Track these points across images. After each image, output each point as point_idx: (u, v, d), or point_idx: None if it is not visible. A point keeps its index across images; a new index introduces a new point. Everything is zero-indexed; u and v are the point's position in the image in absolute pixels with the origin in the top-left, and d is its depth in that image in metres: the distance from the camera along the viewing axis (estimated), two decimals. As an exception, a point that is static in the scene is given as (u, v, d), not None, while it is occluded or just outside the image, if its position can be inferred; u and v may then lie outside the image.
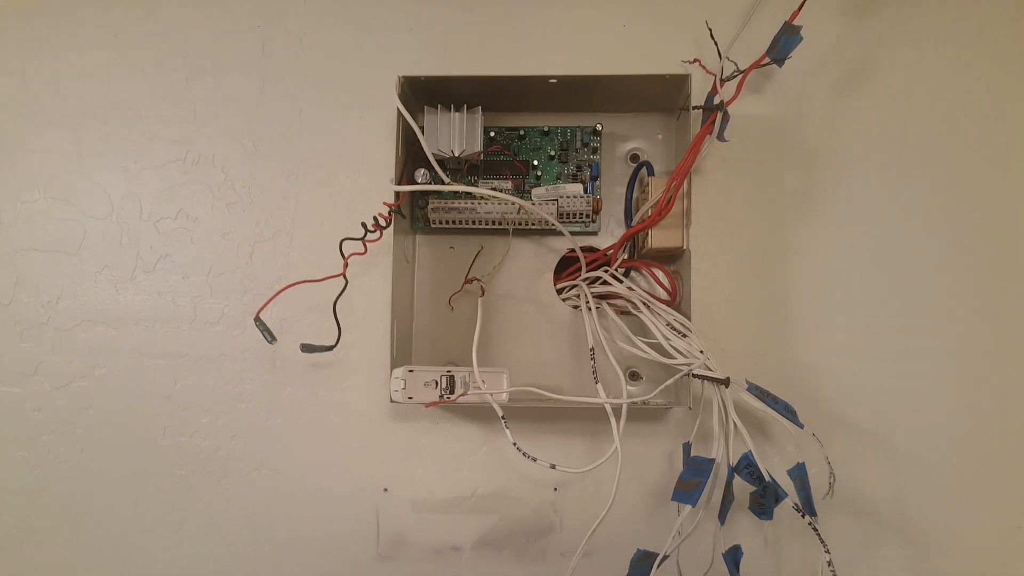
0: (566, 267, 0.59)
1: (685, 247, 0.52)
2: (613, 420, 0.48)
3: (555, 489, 0.59)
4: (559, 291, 0.59)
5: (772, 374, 0.57)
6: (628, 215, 0.58)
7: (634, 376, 0.58)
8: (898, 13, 0.60)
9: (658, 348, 0.51)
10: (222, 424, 0.60)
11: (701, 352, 0.48)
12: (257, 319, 0.52)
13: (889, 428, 0.57)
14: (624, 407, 0.48)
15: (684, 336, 0.49)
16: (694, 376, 0.48)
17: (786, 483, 0.49)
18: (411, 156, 0.56)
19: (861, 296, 0.58)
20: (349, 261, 0.52)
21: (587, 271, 0.57)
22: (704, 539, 0.55)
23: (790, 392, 0.55)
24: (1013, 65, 0.59)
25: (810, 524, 0.47)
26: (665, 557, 0.49)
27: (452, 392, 0.51)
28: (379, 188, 0.60)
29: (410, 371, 0.50)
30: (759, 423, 0.57)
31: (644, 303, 0.52)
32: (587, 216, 0.57)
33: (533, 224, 0.57)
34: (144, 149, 0.62)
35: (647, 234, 0.54)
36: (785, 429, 0.53)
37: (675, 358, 0.49)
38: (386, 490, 0.59)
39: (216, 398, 0.60)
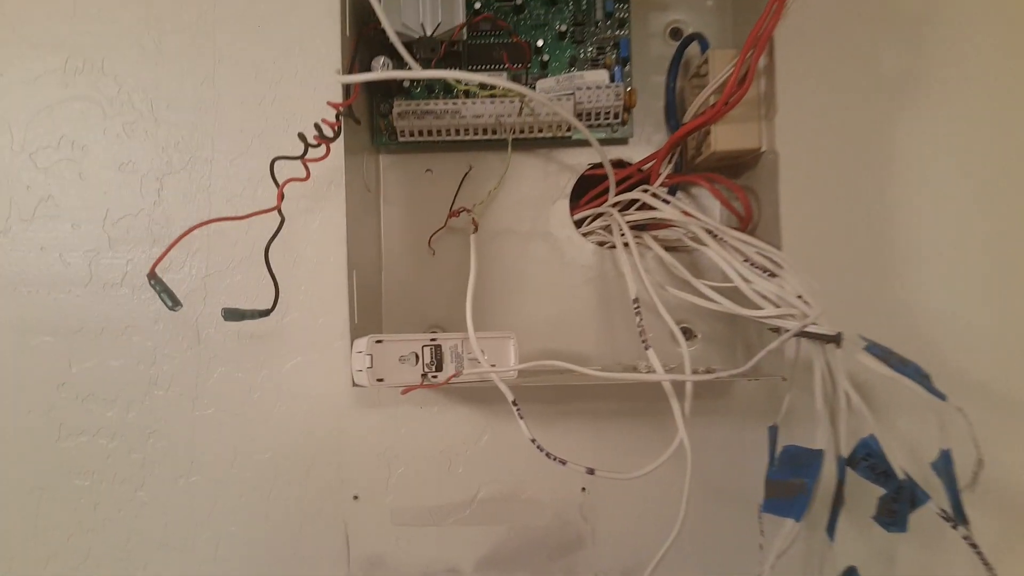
0: (587, 190, 0.46)
1: (763, 148, 0.38)
2: (675, 403, 0.34)
3: (583, 489, 0.47)
4: (578, 223, 0.46)
5: (880, 326, 0.43)
6: (671, 113, 0.44)
7: (685, 333, 0.44)
8: None
9: (734, 295, 0.36)
10: (134, 418, 0.49)
11: (801, 299, 0.33)
12: (152, 275, 0.37)
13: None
14: (689, 384, 0.34)
15: (773, 276, 0.34)
16: (804, 336, 0.33)
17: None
18: (365, 40, 0.43)
19: (992, 217, 0.45)
20: (287, 191, 0.40)
21: (617, 192, 0.43)
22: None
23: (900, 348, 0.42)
24: None
25: (966, 539, 0.33)
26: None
27: (439, 368, 0.39)
28: (325, 88, 0.47)
29: (378, 342, 0.38)
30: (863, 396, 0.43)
31: (709, 231, 0.37)
32: (616, 115, 0.43)
33: (540, 131, 0.43)
34: (11, 57, 0.50)
35: (706, 134, 0.40)
36: (897, 404, 0.42)
37: (763, 309, 0.33)
38: (356, 498, 0.48)
39: (125, 384, 0.49)
